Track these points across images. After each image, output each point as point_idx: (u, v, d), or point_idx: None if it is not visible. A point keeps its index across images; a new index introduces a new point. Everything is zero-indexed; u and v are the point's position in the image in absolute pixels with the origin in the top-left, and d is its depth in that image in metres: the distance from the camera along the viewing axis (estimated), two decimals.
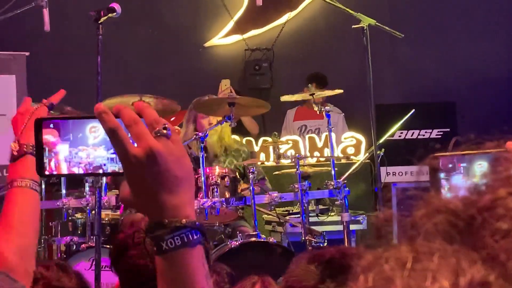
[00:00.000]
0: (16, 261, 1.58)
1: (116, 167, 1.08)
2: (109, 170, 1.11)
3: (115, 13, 3.27)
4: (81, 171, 1.11)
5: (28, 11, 4.83)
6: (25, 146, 1.68)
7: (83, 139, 1.10)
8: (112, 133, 0.98)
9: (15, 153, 1.67)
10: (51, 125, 1.10)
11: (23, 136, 1.70)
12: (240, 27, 7.58)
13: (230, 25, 7.62)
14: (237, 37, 7.61)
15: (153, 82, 7.29)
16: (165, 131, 0.99)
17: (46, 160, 1.11)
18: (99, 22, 3.19)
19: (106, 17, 3.23)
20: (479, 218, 0.63)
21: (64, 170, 1.11)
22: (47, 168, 1.11)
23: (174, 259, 1.00)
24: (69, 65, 7.17)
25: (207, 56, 7.63)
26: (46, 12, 4.61)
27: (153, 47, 7.56)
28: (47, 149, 1.10)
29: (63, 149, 1.09)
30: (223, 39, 7.64)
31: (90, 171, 1.12)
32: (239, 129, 5.87)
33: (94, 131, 1.08)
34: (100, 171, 1.11)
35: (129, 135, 0.99)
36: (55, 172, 1.13)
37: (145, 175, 0.99)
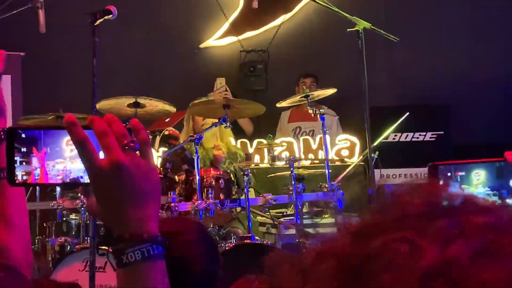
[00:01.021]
0: (22, 256, 1.59)
1: None
2: (86, 182, 1.10)
3: (111, 16, 3.27)
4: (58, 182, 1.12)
5: (24, 11, 4.82)
6: (2, 133, 1.60)
7: (60, 152, 1.11)
8: (79, 145, 0.99)
9: None
10: (23, 135, 1.11)
11: None
12: (235, 28, 7.59)
13: (226, 26, 7.63)
14: (232, 39, 7.62)
15: (149, 83, 7.29)
16: (132, 145, 1.00)
17: (19, 170, 1.10)
18: (95, 24, 3.19)
19: (102, 20, 3.23)
20: (365, 267, 0.59)
21: (41, 179, 1.12)
22: (18, 178, 1.11)
23: (134, 273, 1.01)
24: (65, 65, 7.16)
25: (202, 57, 7.64)
26: (42, 13, 4.59)
27: (149, 48, 7.56)
28: (18, 159, 1.10)
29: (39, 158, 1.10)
30: (219, 40, 7.64)
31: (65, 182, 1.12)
32: (233, 130, 5.88)
33: (71, 144, 1.08)
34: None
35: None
36: (26, 181, 1.13)
37: (110, 187, 1.00)
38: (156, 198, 1.04)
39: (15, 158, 1.10)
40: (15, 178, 1.11)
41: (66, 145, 1.11)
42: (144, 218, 1.01)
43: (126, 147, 1.00)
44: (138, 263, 1.00)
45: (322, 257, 0.63)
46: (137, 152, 1.02)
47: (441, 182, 0.66)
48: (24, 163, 1.11)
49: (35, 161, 1.11)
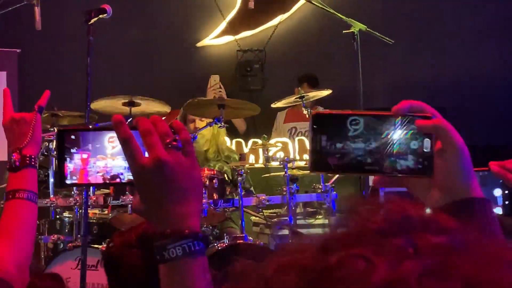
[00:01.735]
0: (15, 274, 1.61)
1: None
2: (126, 179, 1.15)
3: (106, 14, 3.27)
4: (100, 181, 1.15)
5: (20, 8, 4.82)
6: (27, 158, 1.73)
7: (102, 149, 1.14)
8: (124, 143, 1.03)
9: (17, 164, 1.71)
10: (73, 136, 1.14)
11: (27, 147, 1.74)
12: (232, 28, 7.59)
13: (223, 25, 7.62)
14: (229, 38, 7.62)
15: (144, 82, 7.28)
16: (175, 143, 1.03)
17: (68, 171, 1.14)
18: (90, 23, 3.19)
19: (96, 18, 3.23)
20: (323, 281, 0.59)
21: (83, 179, 1.15)
22: (68, 178, 1.14)
23: (176, 268, 1.03)
24: (61, 63, 7.16)
25: (199, 56, 7.64)
26: (37, 10, 4.58)
27: (145, 47, 7.55)
28: (68, 159, 1.13)
29: (83, 159, 1.14)
30: (215, 39, 7.64)
31: (107, 181, 1.15)
32: (228, 129, 5.87)
33: (112, 141, 1.13)
34: (118, 180, 1.15)
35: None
36: (75, 182, 1.16)
37: (153, 184, 1.03)
38: (198, 195, 1.07)
39: (66, 159, 1.14)
40: (65, 179, 1.14)
41: (108, 143, 1.14)
42: (186, 215, 1.04)
43: (169, 146, 1.03)
44: (179, 258, 1.03)
45: (284, 268, 0.63)
46: (180, 150, 1.05)
47: (405, 201, 0.66)
48: (70, 163, 1.14)
49: (79, 161, 1.14)
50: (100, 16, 3.24)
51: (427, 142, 1.02)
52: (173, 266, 1.03)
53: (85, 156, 1.14)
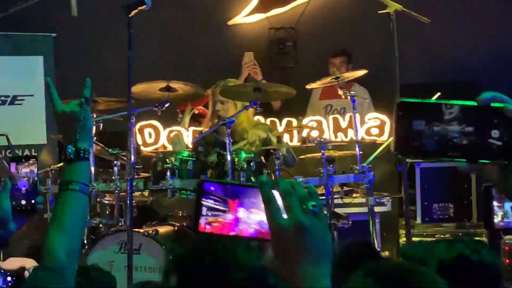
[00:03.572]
0: (65, 262, 1.69)
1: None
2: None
3: (145, 6, 3.30)
4: (247, 233, 1.21)
5: None
6: (82, 151, 1.78)
7: (257, 203, 1.20)
8: (266, 203, 1.11)
9: (72, 157, 1.77)
10: (212, 188, 1.21)
11: (81, 141, 1.79)
12: (263, 5, 7.54)
13: (254, 3, 7.59)
14: (260, 16, 7.58)
15: (177, 63, 7.30)
16: (312, 208, 1.11)
17: (203, 219, 1.20)
18: (130, 16, 3.22)
19: (136, 11, 3.26)
20: None
21: (219, 230, 1.21)
22: (202, 227, 1.20)
23: None
24: (97, 48, 7.21)
25: (231, 35, 7.62)
26: None
27: (176, 27, 7.54)
28: (204, 208, 1.20)
29: (240, 211, 1.20)
30: (247, 17, 7.61)
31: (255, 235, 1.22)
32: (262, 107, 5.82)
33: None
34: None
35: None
36: (209, 231, 1.22)
37: (290, 245, 1.11)
38: (329, 258, 1.14)
39: (203, 207, 1.20)
40: (199, 226, 1.21)
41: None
42: (319, 276, 1.11)
43: (307, 210, 1.10)
44: None
45: None
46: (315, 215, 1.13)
47: None
48: (212, 212, 1.21)
49: (226, 210, 1.20)
50: (140, 8, 3.27)
51: (508, 129, 1.08)
52: None
53: (241, 209, 1.20)
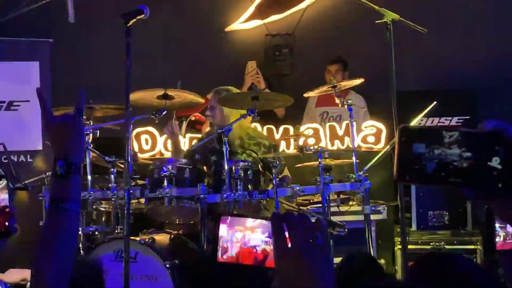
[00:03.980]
0: (56, 284, 1.64)
1: (268, 248, 1.32)
2: (260, 250, 1.34)
3: (143, 15, 3.30)
4: (250, 262, 1.34)
5: (52, 0, 4.87)
6: (73, 166, 1.70)
7: (241, 221, 1.35)
8: (274, 234, 1.20)
9: (62, 172, 1.69)
10: (228, 219, 1.33)
11: (72, 154, 1.71)
12: (260, 12, 7.56)
13: (251, 10, 7.60)
14: (257, 22, 7.60)
15: (174, 68, 7.31)
16: (316, 239, 1.20)
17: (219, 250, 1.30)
18: (128, 25, 3.22)
19: (135, 20, 3.26)
20: None
21: (234, 259, 1.33)
22: (220, 257, 1.29)
23: None
24: (94, 54, 7.20)
25: (228, 41, 7.63)
26: (70, 3, 4.65)
27: (174, 32, 7.56)
28: (221, 240, 1.31)
29: (221, 229, 1.30)
30: (244, 24, 7.63)
31: (256, 263, 1.35)
32: (266, 115, 5.82)
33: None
34: (254, 250, 1.33)
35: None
36: (225, 261, 1.33)
37: (292, 271, 1.19)
38: (331, 285, 1.21)
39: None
40: (218, 258, 1.33)
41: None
42: None
43: (311, 240, 1.19)
44: None
45: None
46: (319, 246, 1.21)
47: None
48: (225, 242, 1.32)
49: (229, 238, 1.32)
50: (138, 17, 3.27)
51: (509, 157, 1.08)
52: None
53: (223, 227, 1.28)
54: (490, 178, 1.09)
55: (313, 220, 1.23)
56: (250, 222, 1.31)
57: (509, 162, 1.08)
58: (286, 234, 1.20)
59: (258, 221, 1.28)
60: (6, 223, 1.83)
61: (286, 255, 1.19)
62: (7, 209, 1.84)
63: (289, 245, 1.20)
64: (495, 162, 1.08)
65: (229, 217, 1.33)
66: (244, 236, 1.32)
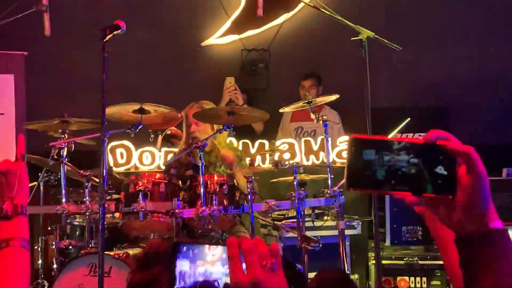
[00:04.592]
0: None
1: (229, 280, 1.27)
2: (222, 284, 1.32)
3: (120, 30, 3.31)
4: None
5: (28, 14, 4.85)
6: (19, 207, 1.76)
7: (202, 255, 1.32)
8: (230, 260, 1.20)
9: (9, 213, 1.74)
10: (184, 248, 1.31)
11: (17, 197, 1.77)
12: (237, 27, 7.61)
13: (227, 25, 7.64)
14: (234, 37, 7.64)
15: (150, 82, 7.31)
16: (270, 265, 1.19)
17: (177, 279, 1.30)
18: (105, 40, 3.22)
19: (111, 35, 3.27)
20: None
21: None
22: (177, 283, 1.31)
23: None
24: (68, 67, 7.18)
25: (204, 56, 7.66)
26: (46, 16, 4.63)
27: (150, 47, 7.57)
28: (186, 275, 1.31)
29: (184, 264, 1.31)
30: (220, 38, 7.66)
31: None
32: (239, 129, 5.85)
33: (212, 250, 1.33)
34: (216, 284, 1.32)
35: None
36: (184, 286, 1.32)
37: None
38: None
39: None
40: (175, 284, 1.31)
41: (208, 250, 1.33)
42: None
43: (266, 267, 1.18)
44: None
45: None
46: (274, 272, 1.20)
47: None
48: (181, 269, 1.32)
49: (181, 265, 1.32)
50: (115, 32, 3.28)
51: (451, 165, 1.14)
52: None
53: (186, 262, 1.28)
54: (435, 184, 1.14)
55: (268, 245, 1.23)
56: (210, 255, 1.31)
57: (450, 170, 1.14)
58: (242, 260, 1.19)
59: (217, 251, 1.28)
60: None
61: (243, 283, 1.18)
62: None
63: (245, 272, 1.19)
64: (439, 170, 1.14)
65: (184, 246, 1.33)
66: (206, 270, 1.32)
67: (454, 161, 1.14)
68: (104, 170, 3.36)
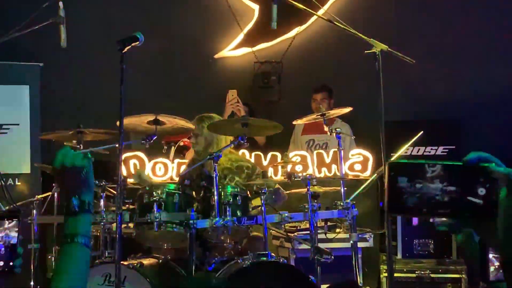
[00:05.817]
0: None
1: None
2: None
3: (138, 42, 3.35)
4: None
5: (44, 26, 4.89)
6: (86, 204, 1.79)
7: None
8: None
9: (76, 209, 1.77)
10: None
11: (85, 194, 1.80)
12: (250, 39, 7.66)
13: (240, 37, 7.70)
14: (246, 50, 7.69)
15: (164, 94, 7.37)
16: None
17: None
18: (123, 52, 3.27)
19: (129, 47, 3.31)
20: None
21: None
22: None
23: None
24: (83, 79, 7.24)
25: (217, 68, 7.71)
26: (63, 28, 4.67)
27: (164, 59, 7.63)
28: None
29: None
30: (233, 51, 7.72)
31: None
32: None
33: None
34: None
35: None
36: None
37: None
38: None
39: None
40: None
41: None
42: None
43: None
44: None
45: None
46: None
47: None
48: None
49: None
50: (133, 44, 3.32)
51: (492, 188, 1.16)
52: None
53: None
54: (472, 209, 1.15)
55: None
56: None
57: (492, 192, 1.15)
58: None
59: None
60: (11, 263, 1.83)
61: None
62: (15, 249, 1.84)
63: None
64: (481, 192, 1.14)
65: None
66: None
67: (496, 183, 1.15)
68: (121, 181, 3.40)
